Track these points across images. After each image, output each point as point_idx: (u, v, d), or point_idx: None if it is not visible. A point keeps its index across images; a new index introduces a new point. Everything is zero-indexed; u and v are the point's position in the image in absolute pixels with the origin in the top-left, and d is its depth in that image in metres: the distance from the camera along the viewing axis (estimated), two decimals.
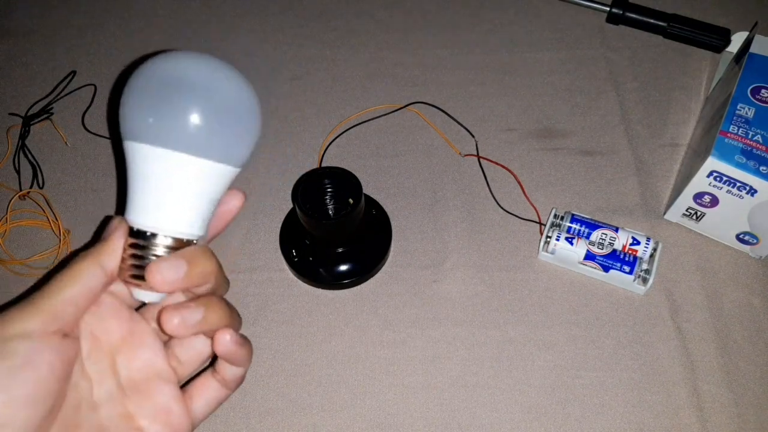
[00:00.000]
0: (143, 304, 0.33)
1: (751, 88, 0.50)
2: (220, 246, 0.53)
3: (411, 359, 0.48)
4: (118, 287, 0.32)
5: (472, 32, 0.67)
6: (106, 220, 0.32)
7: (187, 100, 0.30)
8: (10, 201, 0.55)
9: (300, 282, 0.51)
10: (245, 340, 0.33)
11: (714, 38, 0.63)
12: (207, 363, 0.34)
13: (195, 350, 0.34)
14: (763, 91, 0.50)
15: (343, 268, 0.51)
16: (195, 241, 0.32)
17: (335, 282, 0.51)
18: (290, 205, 0.54)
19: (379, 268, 0.52)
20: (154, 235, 0.30)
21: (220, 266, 0.31)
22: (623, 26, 0.67)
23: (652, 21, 0.65)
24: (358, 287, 0.51)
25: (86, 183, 0.58)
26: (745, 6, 0.68)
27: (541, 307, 0.50)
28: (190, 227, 0.31)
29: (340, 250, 0.51)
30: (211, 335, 0.32)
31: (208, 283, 0.31)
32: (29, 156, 0.59)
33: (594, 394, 0.46)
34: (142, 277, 0.30)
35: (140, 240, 0.30)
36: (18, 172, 0.58)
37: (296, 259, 0.51)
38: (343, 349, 0.48)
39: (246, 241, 0.54)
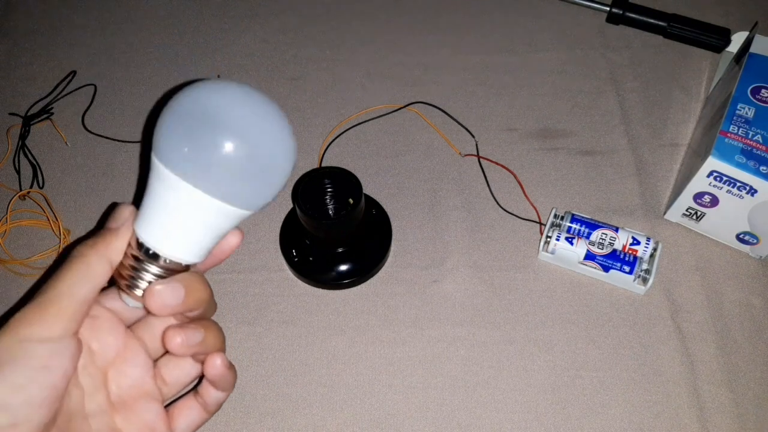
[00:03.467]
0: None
1: (751, 88, 0.50)
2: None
3: (411, 359, 0.48)
4: (116, 304, 0.33)
5: (472, 32, 0.67)
6: (113, 206, 0.32)
7: (225, 147, 0.29)
8: (10, 201, 0.55)
9: (300, 282, 0.51)
10: (232, 366, 0.34)
11: (714, 38, 0.63)
12: (190, 386, 0.35)
13: (181, 372, 0.35)
14: (763, 91, 0.50)
15: (343, 268, 0.51)
16: (191, 266, 0.32)
17: (335, 282, 0.51)
18: (290, 205, 0.54)
19: (379, 268, 0.52)
20: (156, 255, 0.31)
21: (212, 293, 0.33)
22: (623, 26, 0.67)
23: (652, 21, 0.65)
24: (358, 287, 0.51)
25: (86, 183, 0.58)
26: (745, 6, 0.68)
27: (541, 307, 0.50)
28: (192, 255, 0.31)
29: (340, 250, 0.51)
30: (201, 359, 0.33)
31: (199, 309, 0.32)
32: (29, 156, 0.59)
33: (594, 394, 0.46)
34: (133, 287, 0.31)
35: (142, 254, 0.31)
36: (18, 172, 0.58)
37: (296, 259, 0.51)
38: (343, 349, 0.48)
39: (246, 241, 0.54)
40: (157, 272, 0.31)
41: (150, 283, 0.31)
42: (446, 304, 0.50)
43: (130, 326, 0.34)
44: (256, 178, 0.30)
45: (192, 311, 0.31)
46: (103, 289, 0.32)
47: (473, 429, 0.45)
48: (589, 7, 0.68)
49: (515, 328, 0.49)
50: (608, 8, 0.66)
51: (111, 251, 0.30)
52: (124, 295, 0.32)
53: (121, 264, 0.31)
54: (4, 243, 0.54)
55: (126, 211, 0.31)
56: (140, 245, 0.31)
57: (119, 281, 0.31)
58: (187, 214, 0.30)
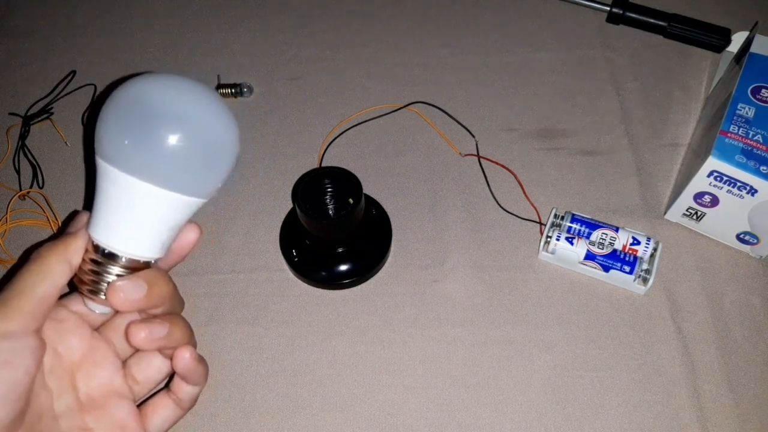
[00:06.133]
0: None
1: (751, 87, 0.50)
2: (220, 246, 0.53)
3: (411, 359, 0.48)
4: (81, 307, 0.33)
5: (472, 32, 0.67)
6: (73, 215, 0.33)
7: (165, 134, 0.29)
8: (10, 201, 0.55)
9: (300, 282, 0.51)
10: (202, 359, 0.34)
11: (714, 38, 0.63)
12: (162, 384, 0.35)
13: (151, 370, 0.35)
14: (763, 90, 0.50)
15: (343, 268, 0.51)
16: (153, 262, 0.32)
17: (335, 282, 0.51)
18: (290, 205, 0.54)
19: (379, 268, 0.52)
20: (114, 255, 0.31)
21: (175, 289, 0.33)
22: (623, 26, 0.67)
23: (652, 21, 0.65)
24: (358, 287, 0.51)
25: (86, 183, 0.58)
26: (745, 6, 0.68)
27: (542, 307, 0.50)
28: (151, 251, 0.31)
29: (340, 250, 0.51)
30: (170, 354, 0.33)
31: (164, 305, 0.32)
32: (29, 156, 0.59)
33: (594, 394, 0.46)
34: (97, 291, 0.31)
35: (100, 256, 0.31)
36: (18, 172, 0.58)
37: (296, 259, 0.51)
38: (343, 349, 0.48)
39: (246, 241, 0.54)
40: (117, 272, 0.31)
41: None
42: (446, 304, 0.50)
43: (97, 328, 0.34)
44: (198, 164, 0.30)
45: (156, 307, 0.32)
46: (68, 294, 0.32)
47: (473, 429, 0.45)
48: (589, 7, 0.68)
49: (515, 328, 0.49)
50: (608, 8, 0.66)
51: (69, 252, 0.30)
52: (89, 302, 0.32)
53: (82, 270, 0.31)
54: (4, 243, 0.54)
55: (84, 217, 0.32)
56: (96, 247, 0.31)
57: (82, 288, 0.31)
58: (136, 208, 0.30)
